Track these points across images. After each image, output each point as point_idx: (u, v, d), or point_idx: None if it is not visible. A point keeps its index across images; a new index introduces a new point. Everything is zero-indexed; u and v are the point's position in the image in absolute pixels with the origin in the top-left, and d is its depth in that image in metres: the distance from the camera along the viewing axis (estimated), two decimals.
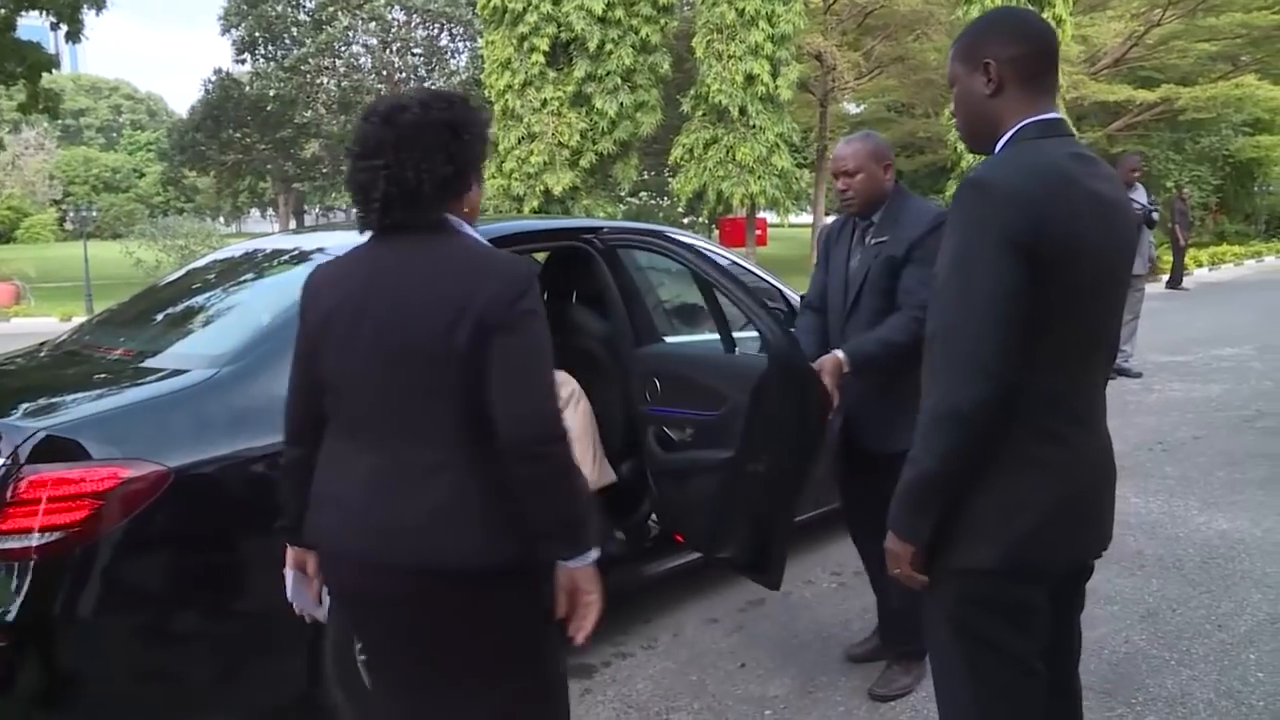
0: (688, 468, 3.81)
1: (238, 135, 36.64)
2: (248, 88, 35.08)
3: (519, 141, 21.27)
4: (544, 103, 21.11)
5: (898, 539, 2.00)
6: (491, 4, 21.16)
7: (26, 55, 25.51)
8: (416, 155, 1.92)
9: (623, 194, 23.10)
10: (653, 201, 21.70)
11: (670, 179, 21.72)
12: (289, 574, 2.26)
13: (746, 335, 4.30)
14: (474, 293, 1.88)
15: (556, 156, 21.16)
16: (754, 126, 19.12)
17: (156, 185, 60.51)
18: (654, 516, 4.25)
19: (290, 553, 2.25)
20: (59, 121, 69.15)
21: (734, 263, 4.86)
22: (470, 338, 1.86)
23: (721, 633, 4.14)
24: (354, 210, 2.05)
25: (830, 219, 25.47)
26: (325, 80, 35.88)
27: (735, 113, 19.04)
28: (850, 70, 25.34)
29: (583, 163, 21.22)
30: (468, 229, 2.04)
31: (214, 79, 35.53)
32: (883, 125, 30.78)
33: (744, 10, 18.80)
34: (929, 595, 2.06)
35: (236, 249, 4.62)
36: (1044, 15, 18.92)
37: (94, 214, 32.07)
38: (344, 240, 4.01)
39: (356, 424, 2.01)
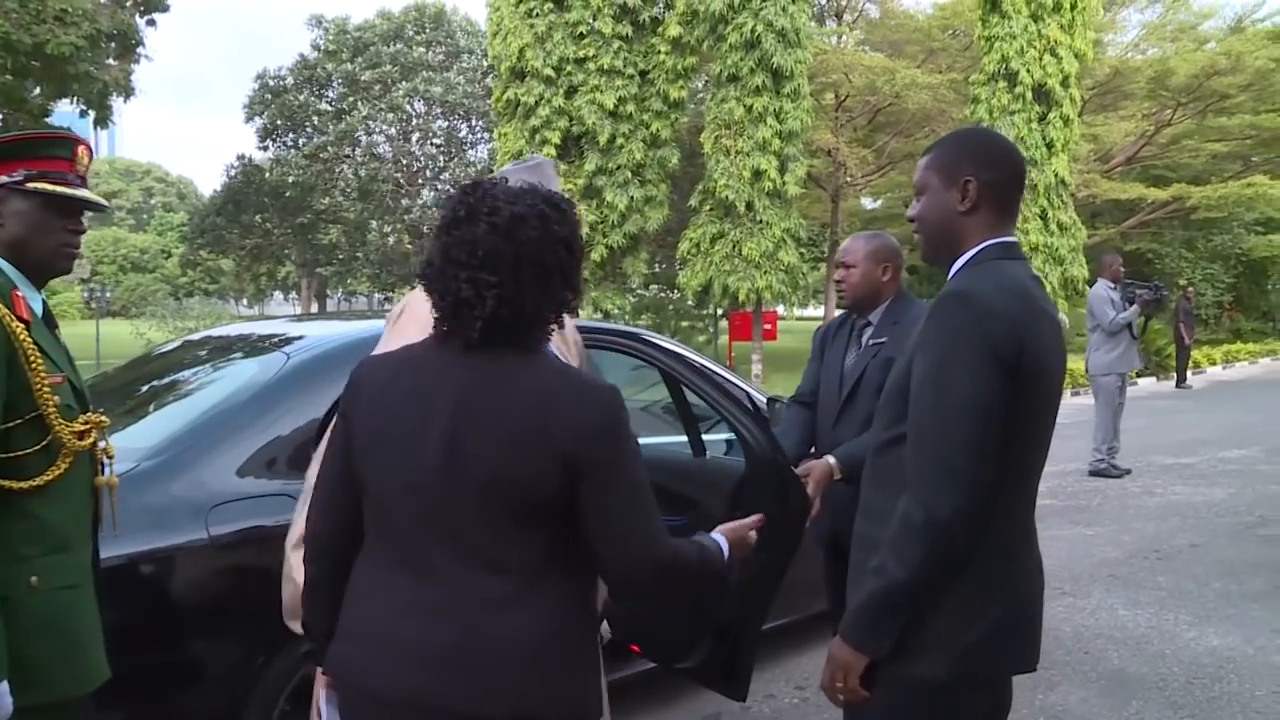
0: None
1: (258, 220, 37.20)
2: (268, 174, 35.72)
3: None
4: None
5: (852, 650, 1.96)
6: (505, 97, 21.52)
7: None
8: (536, 278, 1.73)
9: (633, 287, 23.20)
10: (662, 295, 21.81)
11: (681, 271, 21.82)
12: (322, 693, 2.00)
13: (713, 437, 4.22)
14: (564, 422, 1.69)
15: None
16: (761, 222, 19.16)
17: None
18: (606, 624, 4.10)
19: (324, 674, 1.96)
20: None
21: (702, 365, 4.79)
22: (561, 469, 1.69)
23: None
24: (436, 316, 1.79)
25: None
26: (344, 168, 36.49)
27: (742, 208, 19.09)
28: (859, 166, 25.56)
29: (593, 255, 21.33)
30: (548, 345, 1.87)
31: (236, 165, 36.26)
32: (897, 221, 30.90)
33: (752, 107, 18.96)
34: (861, 709, 2.02)
35: (206, 334, 4.61)
36: (1050, 115, 19.24)
37: (107, 294, 32.59)
38: (326, 331, 3.98)
39: (407, 546, 1.76)
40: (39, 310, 2.15)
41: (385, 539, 1.80)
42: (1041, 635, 2.11)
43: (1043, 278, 19.41)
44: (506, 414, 1.71)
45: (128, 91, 25.77)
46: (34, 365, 2.07)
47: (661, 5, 21.58)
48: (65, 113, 27.50)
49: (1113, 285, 9.57)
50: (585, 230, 20.92)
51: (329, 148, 35.22)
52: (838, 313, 3.84)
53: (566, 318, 2.36)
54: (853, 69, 23.47)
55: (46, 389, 2.08)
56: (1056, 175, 19.76)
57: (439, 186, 36.62)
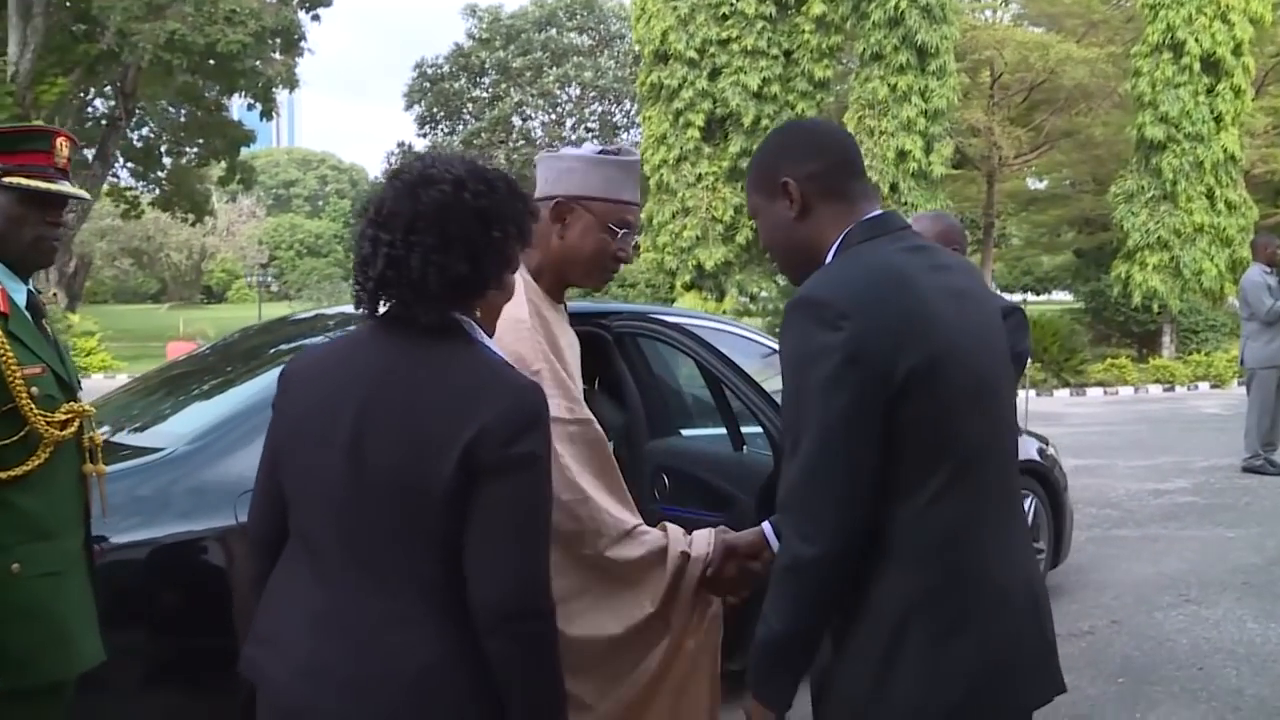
0: None
1: None
2: None
3: (673, 216, 21.46)
4: (699, 178, 21.28)
5: (760, 706, 1.75)
6: (649, 81, 21.58)
7: (229, 132, 28.04)
8: (429, 243, 1.60)
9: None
10: None
11: None
12: None
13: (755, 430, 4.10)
14: (467, 420, 1.56)
15: (710, 231, 21.26)
16: (906, 203, 18.68)
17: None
18: None
19: None
20: (272, 191, 74.96)
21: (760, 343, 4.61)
22: (455, 474, 1.55)
23: None
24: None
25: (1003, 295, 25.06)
26: (499, 154, 37.38)
27: (886, 189, 18.69)
28: (1012, 146, 24.56)
29: (738, 239, 21.26)
30: (481, 335, 1.73)
31: (396, 151, 37.57)
32: (1060, 201, 29.75)
33: (896, 86, 18.53)
34: None
35: (340, 310, 4.70)
36: (1219, 86, 17.99)
37: (268, 279, 34.31)
38: None
39: (313, 552, 1.68)
40: (21, 301, 2.19)
41: (299, 541, 1.72)
42: (1055, 658, 1.80)
43: (1209, 260, 18.24)
44: (411, 407, 1.60)
45: (292, 84, 27.04)
46: (5, 358, 2.11)
47: None
48: (237, 106, 29.18)
49: (1269, 269, 8.86)
50: (729, 213, 20.83)
51: (483, 134, 36.13)
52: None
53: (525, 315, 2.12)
54: (1004, 45, 22.53)
55: (19, 380, 2.11)
56: (1225, 151, 18.46)
57: None
